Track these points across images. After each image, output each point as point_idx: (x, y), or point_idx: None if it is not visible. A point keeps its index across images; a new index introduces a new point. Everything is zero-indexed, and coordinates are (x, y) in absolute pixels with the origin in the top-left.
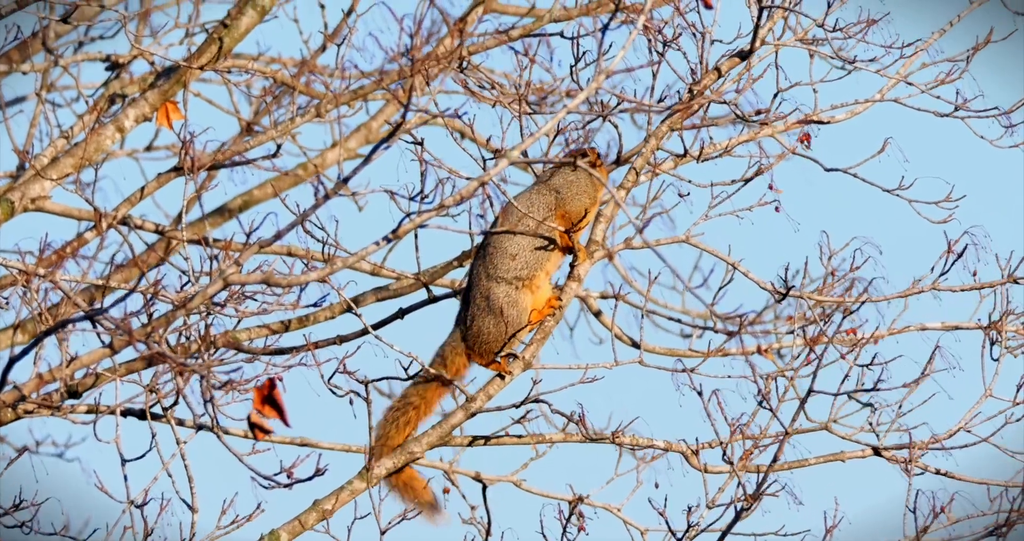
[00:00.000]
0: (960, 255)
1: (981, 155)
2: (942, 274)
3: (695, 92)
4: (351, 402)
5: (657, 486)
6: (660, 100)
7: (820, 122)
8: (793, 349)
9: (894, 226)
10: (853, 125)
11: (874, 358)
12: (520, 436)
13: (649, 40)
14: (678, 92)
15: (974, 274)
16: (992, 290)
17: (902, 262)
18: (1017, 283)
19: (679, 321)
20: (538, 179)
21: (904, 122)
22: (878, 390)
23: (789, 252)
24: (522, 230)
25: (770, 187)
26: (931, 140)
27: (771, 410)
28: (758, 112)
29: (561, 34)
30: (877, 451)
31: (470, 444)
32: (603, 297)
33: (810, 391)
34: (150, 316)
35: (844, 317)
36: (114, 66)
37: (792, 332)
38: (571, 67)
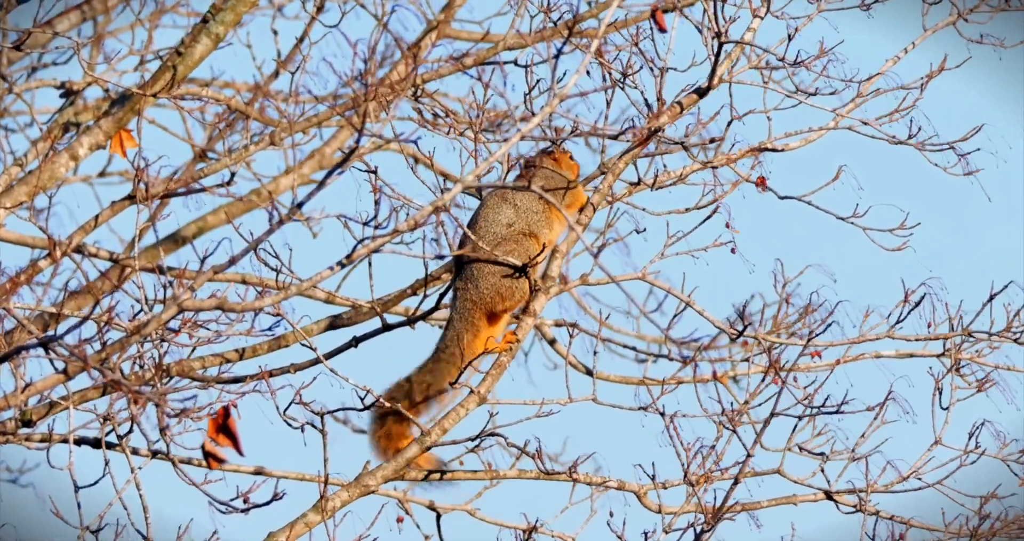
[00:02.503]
0: (916, 305)
1: (935, 183)
2: (898, 322)
3: (653, 129)
4: (303, 431)
5: (612, 515)
6: (620, 134)
7: (774, 150)
8: (749, 377)
9: (848, 253)
10: (807, 153)
11: (826, 400)
12: (475, 471)
13: (601, 64)
14: (632, 121)
15: (929, 326)
16: (946, 341)
17: (856, 289)
18: (971, 337)
19: (634, 348)
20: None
21: (858, 150)
22: (841, 419)
23: (745, 280)
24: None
25: (727, 226)
26: (885, 168)
27: (735, 431)
28: (712, 140)
29: (515, 62)
30: (829, 495)
31: (425, 478)
32: (557, 325)
33: (772, 415)
34: (104, 343)
35: (801, 352)
36: (68, 93)
37: (747, 359)
38: (525, 94)
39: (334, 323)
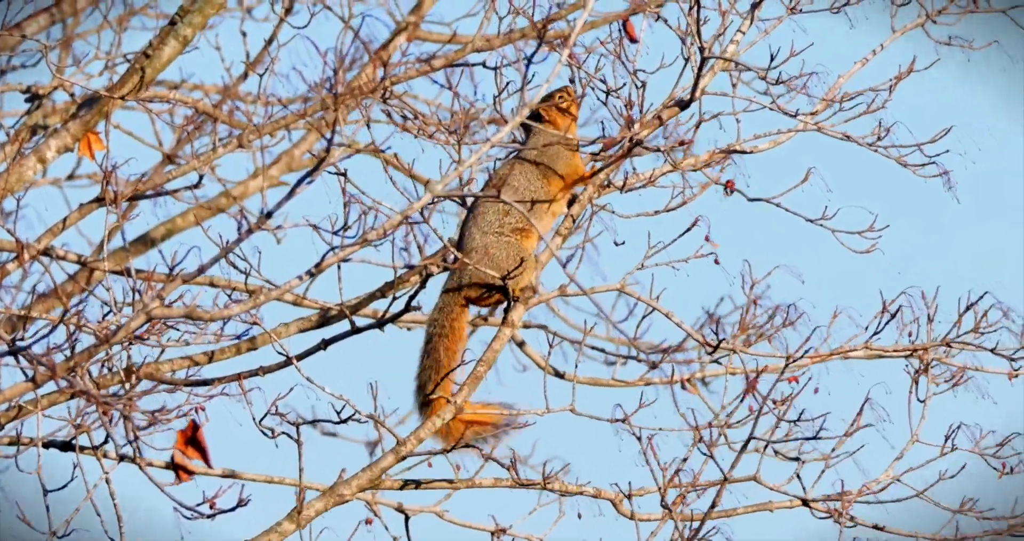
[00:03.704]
0: (894, 316)
1: (905, 185)
2: (875, 334)
3: (634, 140)
4: (274, 438)
5: (580, 517)
6: (592, 142)
7: (743, 152)
8: (725, 382)
9: (818, 256)
10: (776, 155)
11: (801, 414)
12: (451, 481)
13: (571, 66)
14: (603, 124)
15: (909, 334)
16: (923, 351)
17: (826, 291)
18: (950, 346)
19: (603, 350)
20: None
21: (827, 151)
22: (811, 433)
23: (713, 280)
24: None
25: (707, 239)
26: (854, 169)
27: (710, 455)
28: (681, 143)
29: (483, 64)
30: (806, 502)
31: (401, 488)
32: (526, 327)
33: (750, 438)
34: (73, 349)
35: (780, 377)
36: (35, 96)
37: (718, 361)
38: (494, 97)
39: (304, 327)
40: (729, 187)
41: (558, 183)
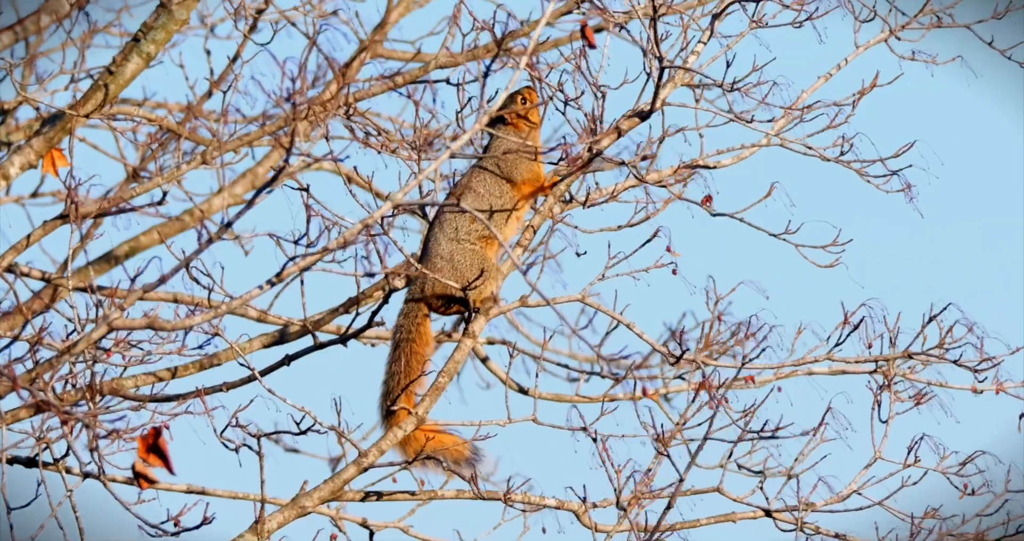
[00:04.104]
0: (855, 327)
1: (868, 199)
2: (837, 345)
3: (594, 151)
4: (238, 452)
5: (544, 531)
6: (561, 159)
7: (706, 167)
8: (688, 397)
9: (782, 270)
10: (740, 169)
11: (764, 425)
12: (413, 493)
13: (532, 79)
14: (564, 138)
15: (870, 346)
16: (886, 364)
17: (790, 306)
18: (912, 357)
19: (566, 366)
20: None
21: (791, 166)
22: (775, 439)
23: (676, 295)
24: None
25: (668, 250)
26: (818, 184)
27: (667, 455)
28: (644, 157)
29: (447, 81)
30: (768, 513)
31: (363, 500)
32: (490, 343)
33: (705, 438)
34: (36, 363)
35: (735, 376)
36: None
37: (680, 376)
38: (457, 113)
39: (267, 342)
40: (707, 202)
41: (520, 190)
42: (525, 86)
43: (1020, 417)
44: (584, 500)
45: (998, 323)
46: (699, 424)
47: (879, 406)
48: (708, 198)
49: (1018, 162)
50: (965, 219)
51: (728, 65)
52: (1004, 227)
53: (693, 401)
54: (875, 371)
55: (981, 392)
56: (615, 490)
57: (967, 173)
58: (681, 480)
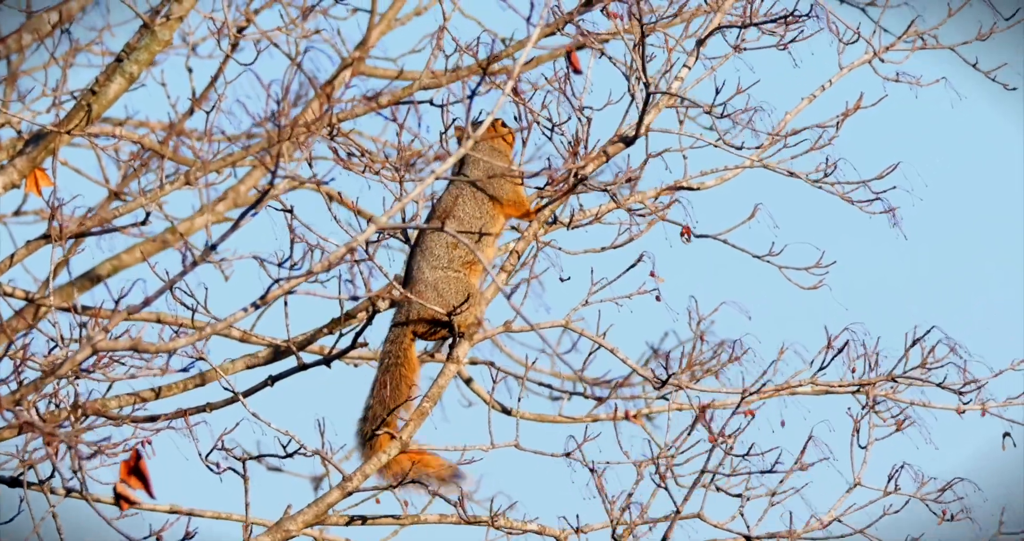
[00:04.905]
0: (840, 351)
1: (852, 221)
2: (821, 369)
3: (579, 176)
4: (219, 474)
5: None
6: (546, 184)
7: (690, 188)
8: (669, 418)
9: (765, 292)
10: (723, 191)
11: (750, 449)
12: (397, 517)
13: (516, 103)
14: (549, 161)
15: (853, 371)
16: (870, 387)
17: (772, 327)
18: (895, 381)
19: (549, 386)
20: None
21: (774, 188)
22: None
23: (659, 316)
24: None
25: (652, 274)
26: (801, 205)
27: (665, 488)
28: (628, 179)
29: (431, 102)
30: (749, 539)
31: (348, 524)
32: (473, 363)
33: (702, 472)
34: (20, 383)
35: (735, 411)
36: None
37: (664, 397)
38: (441, 134)
39: (251, 363)
40: (686, 233)
41: (502, 212)
42: (493, 120)
43: (1003, 436)
44: (577, 530)
45: (982, 346)
46: (687, 450)
47: (858, 433)
48: (687, 229)
49: (1004, 183)
50: (949, 241)
51: (717, 92)
52: (989, 249)
53: (690, 434)
54: (858, 391)
55: (964, 412)
56: (611, 521)
57: (951, 195)
58: (677, 512)
